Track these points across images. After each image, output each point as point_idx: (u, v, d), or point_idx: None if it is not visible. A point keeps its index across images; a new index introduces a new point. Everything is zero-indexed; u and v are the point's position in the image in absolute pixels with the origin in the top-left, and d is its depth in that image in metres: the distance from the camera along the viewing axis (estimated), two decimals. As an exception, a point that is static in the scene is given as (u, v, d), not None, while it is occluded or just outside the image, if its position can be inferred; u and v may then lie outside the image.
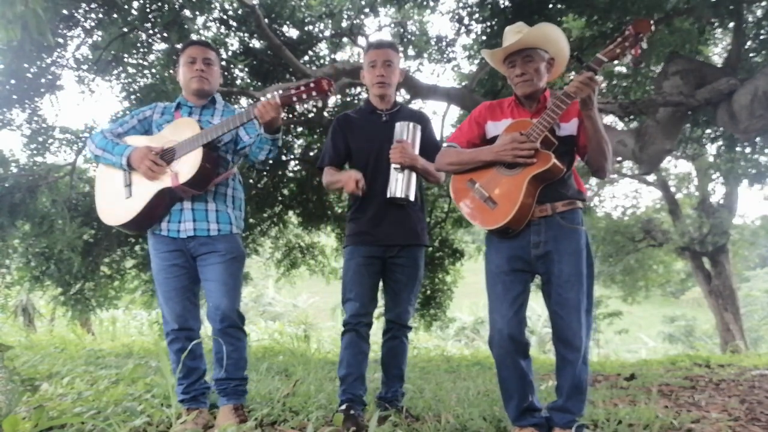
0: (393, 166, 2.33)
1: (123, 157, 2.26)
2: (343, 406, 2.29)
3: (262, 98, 2.22)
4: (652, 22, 1.92)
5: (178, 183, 2.21)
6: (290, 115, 8.25)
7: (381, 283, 2.51)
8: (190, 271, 2.34)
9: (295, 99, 2.18)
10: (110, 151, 2.30)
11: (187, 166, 2.21)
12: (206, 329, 3.17)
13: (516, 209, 2.02)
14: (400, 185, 2.32)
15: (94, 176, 2.48)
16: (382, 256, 2.43)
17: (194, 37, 7.32)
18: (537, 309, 22.65)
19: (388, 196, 2.33)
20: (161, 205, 2.28)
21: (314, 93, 2.16)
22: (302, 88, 2.17)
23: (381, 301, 2.56)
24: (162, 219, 2.32)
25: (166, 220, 2.31)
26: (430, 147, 2.47)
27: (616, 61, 1.98)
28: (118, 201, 2.32)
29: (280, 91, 2.22)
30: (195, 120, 2.33)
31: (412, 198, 2.35)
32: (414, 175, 2.37)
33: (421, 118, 2.57)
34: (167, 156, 2.26)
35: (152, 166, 2.22)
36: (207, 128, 2.25)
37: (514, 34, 2.12)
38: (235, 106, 2.60)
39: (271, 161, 7.66)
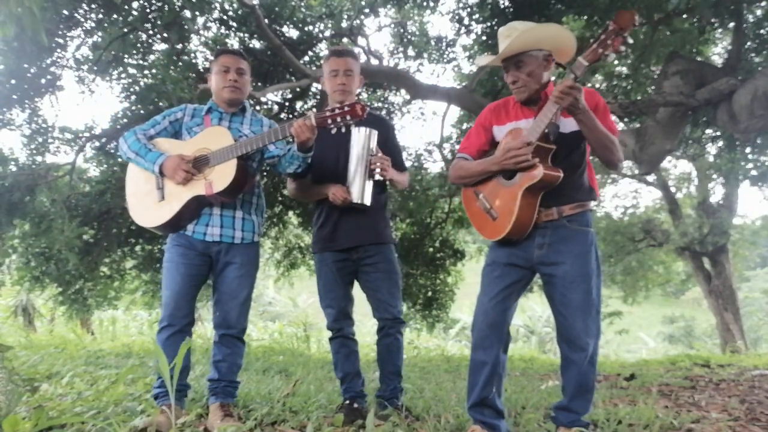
0: (376, 177, 2.41)
1: (155, 165, 2.33)
2: (347, 401, 2.45)
3: (301, 119, 2.26)
4: (636, 16, 1.80)
5: (213, 192, 2.28)
6: (291, 116, 8.25)
7: (360, 287, 2.58)
8: (203, 269, 2.40)
9: (329, 122, 2.21)
10: (143, 156, 2.36)
11: (221, 176, 2.28)
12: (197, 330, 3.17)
13: (512, 222, 2.01)
14: (368, 192, 2.41)
15: (125, 175, 2.55)
16: (350, 259, 2.52)
17: (195, 38, 7.32)
18: (537, 309, 22.65)
19: (356, 201, 2.40)
20: (192, 210, 2.36)
21: (348, 117, 2.19)
22: (337, 111, 2.20)
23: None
24: (190, 222, 2.39)
25: (194, 222, 2.39)
26: (394, 151, 2.59)
27: (600, 61, 1.84)
28: (150, 203, 2.39)
29: (314, 110, 2.26)
30: (226, 128, 2.38)
31: (368, 203, 2.45)
32: (371, 182, 2.45)
33: (381, 124, 2.60)
34: (200, 164, 2.32)
35: (187, 177, 2.29)
36: (242, 140, 2.30)
37: (504, 38, 2.04)
38: (261, 115, 2.64)
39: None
